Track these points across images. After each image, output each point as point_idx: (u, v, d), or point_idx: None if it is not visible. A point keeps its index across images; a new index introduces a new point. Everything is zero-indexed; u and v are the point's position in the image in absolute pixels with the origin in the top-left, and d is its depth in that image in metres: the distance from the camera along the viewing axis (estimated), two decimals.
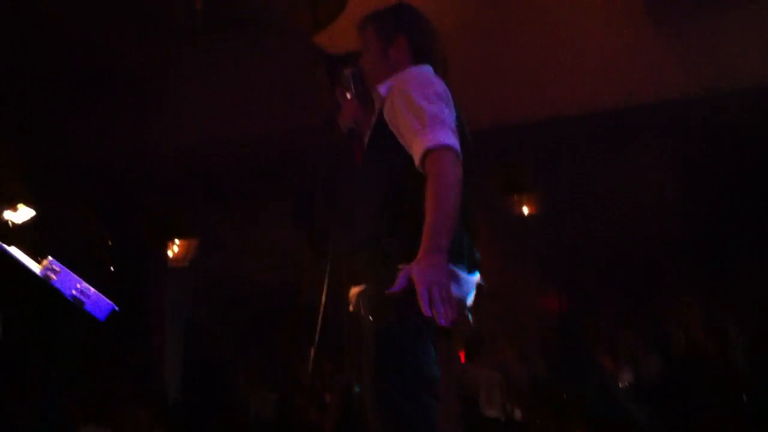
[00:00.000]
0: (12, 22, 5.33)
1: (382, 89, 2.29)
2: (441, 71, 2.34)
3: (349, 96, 2.39)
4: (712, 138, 5.92)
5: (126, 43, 5.61)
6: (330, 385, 5.28)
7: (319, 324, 2.20)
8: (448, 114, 2.12)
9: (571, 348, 6.65)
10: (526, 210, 7.03)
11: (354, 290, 2.23)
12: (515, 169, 6.75)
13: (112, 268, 6.81)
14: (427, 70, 2.30)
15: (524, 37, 5.60)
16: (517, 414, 6.35)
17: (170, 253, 7.61)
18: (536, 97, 5.64)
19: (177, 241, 7.61)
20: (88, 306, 2.47)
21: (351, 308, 2.24)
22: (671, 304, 6.06)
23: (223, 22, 5.66)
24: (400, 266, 2.01)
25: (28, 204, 5.94)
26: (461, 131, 2.20)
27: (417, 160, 2.06)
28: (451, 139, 2.04)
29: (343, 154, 2.36)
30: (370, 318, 2.12)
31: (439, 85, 2.21)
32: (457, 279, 2.12)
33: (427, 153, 2.03)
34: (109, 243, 7.17)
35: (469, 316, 2.26)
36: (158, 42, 5.71)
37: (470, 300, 2.21)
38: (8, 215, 5.89)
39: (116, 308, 2.50)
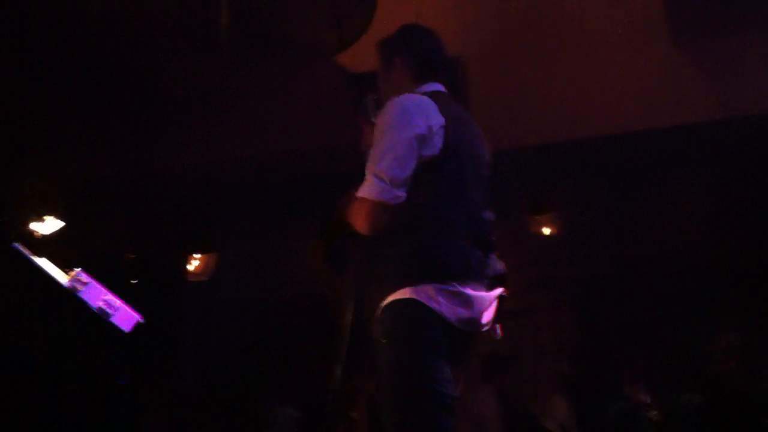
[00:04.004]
0: (54, 35, 5.38)
1: None
2: (449, 84, 2.34)
3: (373, 120, 2.33)
4: (740, 161, 5.86)
5: (164, 59, 5.69)
6: (357, 402, 5.25)
7: (345, 339, 2.19)
8: (403, 158, 2.11)
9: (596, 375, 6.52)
10: (548, 231, 6.93)
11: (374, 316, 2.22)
12: (541, 189, 6.72)
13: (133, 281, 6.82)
14: (414, 102, 2.21)
15: (547, 59, 5.60)
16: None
17: (190, 267, 7.62)
18: (558, 118, 5.62)
19: (197, 255, 7.63)
20: (114, 318, 2.50)
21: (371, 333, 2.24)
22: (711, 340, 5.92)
23: (255, 43, 5.70)
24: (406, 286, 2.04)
25: (56, 216, 5.96)
26: (467, 147, 2.22)
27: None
28: (379, 193, 2.10)
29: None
30: (383, 341, 2.11)
31: (416, 122, 2.14)
32: (465, 300, 2.09)
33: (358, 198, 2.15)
34: (131, 256, 7.20)
35: (497, 330, 2.24)
36: (195, 61, 5.78)
37: (488, 316, 2.19)
38: (36, 226, 5.90)
39: (142, 320, 2.52)
